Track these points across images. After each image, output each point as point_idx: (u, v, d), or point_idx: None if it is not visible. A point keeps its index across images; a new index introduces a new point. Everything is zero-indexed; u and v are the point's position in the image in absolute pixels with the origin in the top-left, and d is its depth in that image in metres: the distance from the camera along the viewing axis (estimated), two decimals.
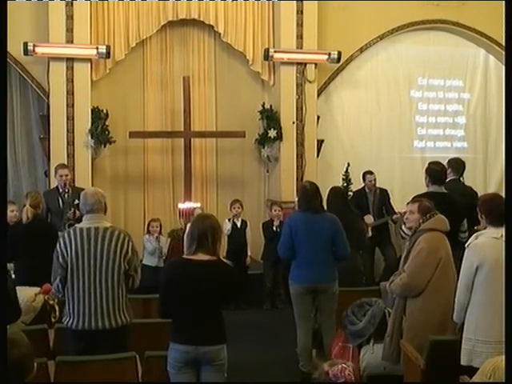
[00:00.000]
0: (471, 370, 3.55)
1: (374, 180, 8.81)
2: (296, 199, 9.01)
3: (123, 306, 4.44)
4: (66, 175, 7.43)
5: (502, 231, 4.08)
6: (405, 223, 5.15)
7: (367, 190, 8.83)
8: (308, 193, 5.76)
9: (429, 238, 4.70)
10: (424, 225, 4.75)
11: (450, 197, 5.90)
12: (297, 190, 9.29)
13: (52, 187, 8.08)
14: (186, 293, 3.96)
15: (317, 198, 5.75)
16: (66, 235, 4.44)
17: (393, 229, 8.92)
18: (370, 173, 8.87)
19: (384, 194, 8.85)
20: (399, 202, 8.67)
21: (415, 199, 5.09)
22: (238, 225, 8.37)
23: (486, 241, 4.16)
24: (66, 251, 4.37)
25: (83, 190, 7.29)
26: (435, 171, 6.01)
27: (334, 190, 7.00)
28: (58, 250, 4.41)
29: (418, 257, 4.67)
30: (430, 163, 6.17)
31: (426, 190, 6.03)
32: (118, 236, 4.40)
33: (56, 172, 7.62)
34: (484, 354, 3.99)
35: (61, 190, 7.36)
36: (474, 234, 4.31)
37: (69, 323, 4.42)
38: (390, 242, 8.84)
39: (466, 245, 4.29)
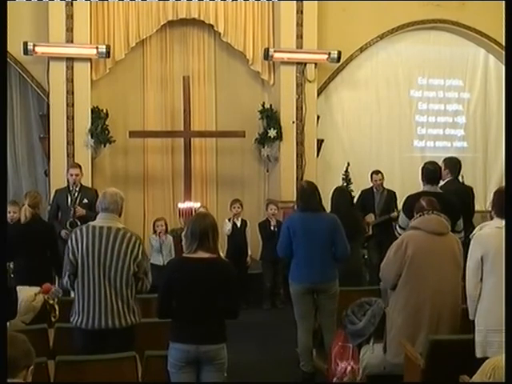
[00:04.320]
0: (471, 369, 3.52)
1: (380, 180, 8.68)
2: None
3: (132, 307, 4.44)
4: (77, 174, 7.47)
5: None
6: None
7: (375, 190, 8.72)
8: (306, 192, 5.73)
9: (404, 236, 4.89)
10: (411, 223, 4.94)
11: (445, 196, 5.89)
12: (297, 190, 9.31)
13: (52, 186, 8.08)
14: (187, 291, 3.96)
15: (315, 197, 5.71)
16: (78, 232, 4.44)
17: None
18: (377, 173, 8.74)
19: (391, 196, 8.69)
20: (399, 202, 8.64)
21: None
22: (238, 224, 8.35)
23: (489, 231, 4.27)
24: (77, 248, 4.37)
25: (91, 189, 7.51)
26: (429, 171, 6.05)
27: (340, 190, 7.03)
28: (69, 246, 4.42)
29: (388, 253, 4.89)
30: (425, 163, 6.21)
31: (421, 190, 6.05)
32: (130, 238, 4.40)
33: (68, 170, 7.71)
34: (496, 344, 4.01)
35: (71, 188, 7.41)
36: (479, 225, 4.42)
37: (78, 322, 4.41)
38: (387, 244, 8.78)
39: (470, 236, 4.40)
